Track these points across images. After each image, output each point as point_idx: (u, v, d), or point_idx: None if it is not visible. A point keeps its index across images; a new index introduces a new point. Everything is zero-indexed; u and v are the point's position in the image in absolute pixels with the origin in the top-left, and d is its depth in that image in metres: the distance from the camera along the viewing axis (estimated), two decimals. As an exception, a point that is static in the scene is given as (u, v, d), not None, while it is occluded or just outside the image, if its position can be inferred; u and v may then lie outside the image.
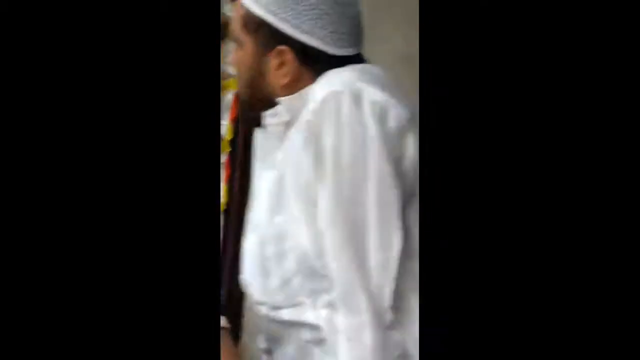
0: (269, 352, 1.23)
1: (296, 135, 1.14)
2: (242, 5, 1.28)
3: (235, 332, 1.44)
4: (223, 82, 1.93)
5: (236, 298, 1.56)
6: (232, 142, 1.87)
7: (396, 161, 1.10)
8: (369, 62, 1.26)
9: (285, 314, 1.15)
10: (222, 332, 1.11)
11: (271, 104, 1.23)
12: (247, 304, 1.51)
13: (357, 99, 1.09)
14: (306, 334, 1.14)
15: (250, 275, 1.27)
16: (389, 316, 1.08)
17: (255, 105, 1.29)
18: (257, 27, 1.25)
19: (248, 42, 1.26)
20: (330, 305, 1.08)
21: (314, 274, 1.09)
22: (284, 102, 1.22)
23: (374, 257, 1.06)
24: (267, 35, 1.23)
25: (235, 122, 1.89)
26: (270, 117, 1.22)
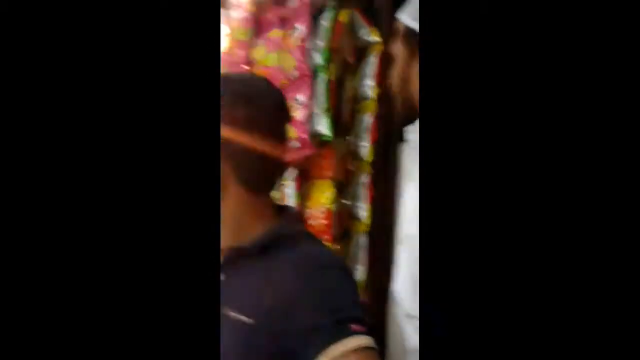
0: None
1: None
2: (399, 22, 1.41)
3: (382, 353, 1.48)
4: (362, 104, 1.99)
5: (382, 319, 1.60)
6: (374, 164, 1.92)
7: None
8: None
9: None
10: (372, 354, 1.11)
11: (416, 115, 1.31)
12: (391, 322, 1.53)
13: None
14: None
15: (402, 288, 1.32)
16: None
17: (404, 114, 1.39)
18: (408, 37, 1.36)
19: (401, 53, 1.38)
20: None
21: None
22: None
23: None
24: (415, 43, 1.34)
25: (376, 143, 1.93)
26: (411, 132, 1.29)
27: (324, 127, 1.83)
